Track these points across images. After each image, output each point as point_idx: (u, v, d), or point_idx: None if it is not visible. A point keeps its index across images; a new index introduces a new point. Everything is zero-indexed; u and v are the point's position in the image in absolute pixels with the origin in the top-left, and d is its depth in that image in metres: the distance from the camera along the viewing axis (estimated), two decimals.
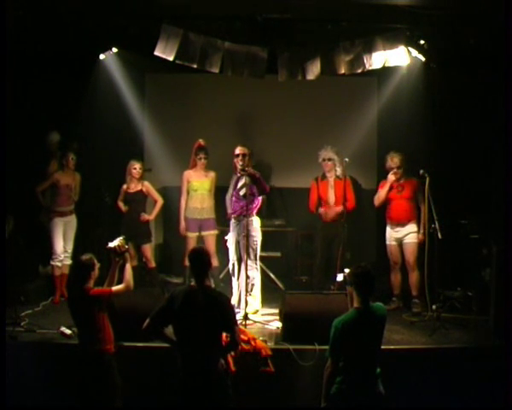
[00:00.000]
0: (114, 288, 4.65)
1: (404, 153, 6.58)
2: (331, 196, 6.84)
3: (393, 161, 6.49)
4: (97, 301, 4.50)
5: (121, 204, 7.06)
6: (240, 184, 6.27)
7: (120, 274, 4.70)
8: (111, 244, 4.65)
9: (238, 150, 6.28)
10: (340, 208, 6.62)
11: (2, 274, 4.75)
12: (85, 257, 4.62)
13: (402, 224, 6.46)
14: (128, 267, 4.68)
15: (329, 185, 6.88)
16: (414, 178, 6.44)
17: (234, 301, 6.26)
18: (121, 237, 4.72)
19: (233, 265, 6.40)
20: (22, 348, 5.20)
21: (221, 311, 4.13)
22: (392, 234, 6.53)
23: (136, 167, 6.95)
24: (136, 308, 5.27)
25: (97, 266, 4.62)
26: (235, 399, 4.62)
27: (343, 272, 4.38)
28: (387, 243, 6.60)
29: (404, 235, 6.47)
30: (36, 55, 6.80)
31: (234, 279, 6.42)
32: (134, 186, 7.00)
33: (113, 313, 4.80)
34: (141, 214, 6.96)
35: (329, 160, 6.83)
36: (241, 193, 6.21)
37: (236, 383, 4.84)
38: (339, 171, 6.84)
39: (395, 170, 6.46)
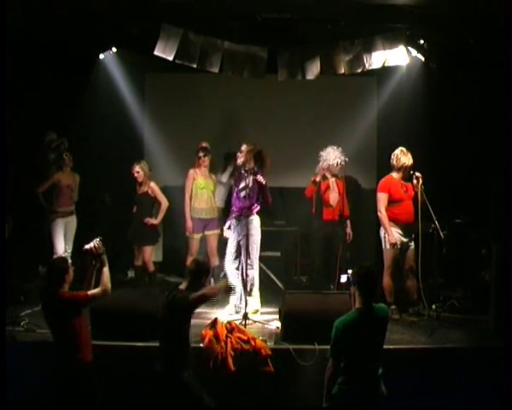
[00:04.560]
0: (90, 292, 4.38)
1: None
2: (334, 197, 6.74)
3: (409, 157, 6.16)
4: (72, 306, 4.27)
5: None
6: (242, 185, 6.24)
7: (97, 277, 4.46)
8: (87, 246, 4.44)
9: (242, 147, 6.28)
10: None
11: (3, 274, 4.74)
12: (59, 259, 4.42)
13: (408, 226, 6.19)
14: (105, 271, 4.42)
15: (331, 187, 6.78)
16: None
17: (234, 300, 6.26)
18: (98, 239, 4.49)
19: (228, 264, 6.35)
20: (22, 348, 5.19)
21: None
22: (397, 237, 6.18)
23: (138, 171, 6.90)
24: (136, 308, 5.28)
25: (71, 268, 4.41)
26: (235, 399, 4.65)
27: (346, 272, 4.38)
28: (388, 246, 6.19)
29: (408, 239, 6.22)
30: (36, 55, 6.80)
31: (232, 279, 6.36)
32: (140, 188, 6.98)
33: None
34: (145, 219, 6.89)
35: (342, 162, 6.70)
36: (242, 194, 6.18)
37: (236, 383, 4.87)
38: (341, 172, 6.78)
39: (409, 170, 6.14)
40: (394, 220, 6.22)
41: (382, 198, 6.22)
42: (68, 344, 4.24)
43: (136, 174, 6.91)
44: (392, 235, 6.14)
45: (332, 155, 6.73)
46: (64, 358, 4.26)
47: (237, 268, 6.29)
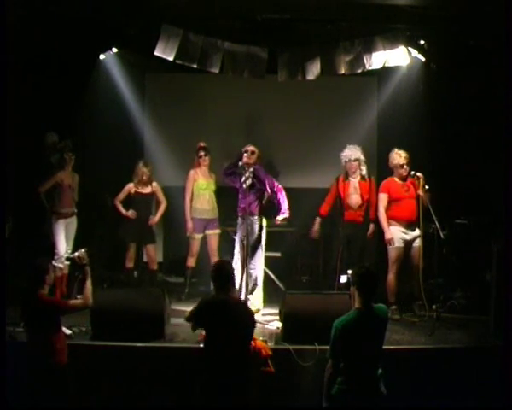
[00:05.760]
0: (71, 301, 4.41)
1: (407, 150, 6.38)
2: (355, 199, 6.60)
3: (402, 156, 6.26)
4: (50, 310, 4.23)
5: (119, 205, 6.97)
6: (242, 180, 6.24)
7: (80, 288, 4.46)
8: (71, 255, 4.45)
9: (248, 147, 6.29)
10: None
11: (3, 274, 4.74)
12: (40, 260, 4.38)
13: (411, 224, 6.24)
14: (88, 283, 4.37)
15: (353, 187, 6.62)
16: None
17: None
18: (83, 250, 4.45)
19: (236, 264, 6.36)
20: (22, 348, 5.18)
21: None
22: (400, 235, 6.25)
23: (147, 172, 6.92)
24: (136, 308, 5.28)
25: (52, 270, 4.36)
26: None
27: (346, 273, 4.38)
28: (395, 245, 6.26)
29: (413, 237, 6.25)
30: (36, 56, 6.80)
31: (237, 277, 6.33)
32: (143, 188, 6.98)
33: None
34: (149, 218, 6.96)
35: (355, 160, 6.58)
36: (245, 186, 6.19)
37: None
38: (364, 170, 6.63)
39: (405, 167, 6.23)
40: (396, 219, 6.29)
41: (382, 198, 6.34)
42: (43, 347, 4.19)
43: (144, 176, 6.91)
44: (387, 231, 6.24)
45: (346, 152, 6.66)
46: (38, 360, 4.21)
47: (242, 267, 6.29)
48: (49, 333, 4.22)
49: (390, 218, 6.31)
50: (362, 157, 6.63)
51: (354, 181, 6.66)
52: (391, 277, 6.26)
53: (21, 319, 4.38)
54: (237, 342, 4.14)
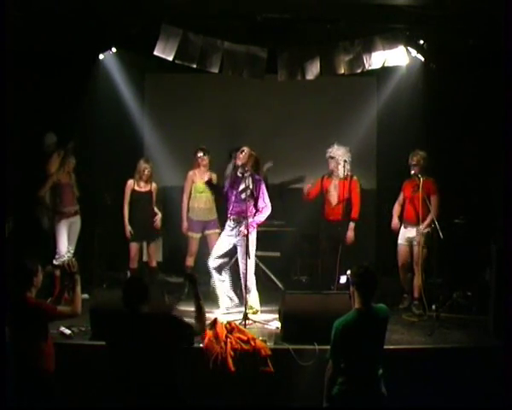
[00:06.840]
0: (59, 308, 4.34)
1: (425, 151, 6.47)
2: (333, 197, 6.74)
3: (413, 158, 6.40)
4: (38, 315, 4.11)
5: (126, 218, 6.89)
6: (242, 187, 6.22)
7: (69, 295, 4.40)
8: (60, 262, 4.48)
9: (244, 148, 6.23)
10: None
11: (2, 274, 4.73)
12: (28, 261, 4.29)
13: (413, 224, 6.37)
14: (77, 291, 4.29)
15: (333, 185, 6.76)
16: (431, 178, 6.39)
17: (225, 303, 6.27)
18: (73, 258, 4.47)
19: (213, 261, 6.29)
20: None
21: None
22: (404, 233, 6.47)
23: (148, 168, 6.91)
24: None
25: (41, 272, 4.28)
26: (235, 399, 4.64)
27: (345, 273, 4.38)
28: (398, 242, 6.53)
29: (413, 236, 6.38)
30: (35, 55, 6.80)
31: (216, 277, 6.28)
32: (144, 185, 6.97)
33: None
34: (153, 216, 6.95)
35: (331, 158, 6.74)
36: (243, 196, 6.16)
37: (236, 383, 4.87)
38: (341, 171, 6.69)
39: (411, 167, 6.39)
40: (402, 217, 6.56)
41: (399, 196, 6.65)
42: (30, 352, 4.09)
43: (146, 170, 6.89)
44: (393, 221, 6.60)
45: (329, 149, 6.79)
46: (25, 366, 4.11)
47: (224, 268, 6.28)
48: (36, 338, 4.11)
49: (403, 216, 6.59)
50: (341, 157, 6.69)
51: (335, 179, 6.77)
52: (400, 271, 6.56)
53: (7, 322, 4.22)
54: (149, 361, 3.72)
